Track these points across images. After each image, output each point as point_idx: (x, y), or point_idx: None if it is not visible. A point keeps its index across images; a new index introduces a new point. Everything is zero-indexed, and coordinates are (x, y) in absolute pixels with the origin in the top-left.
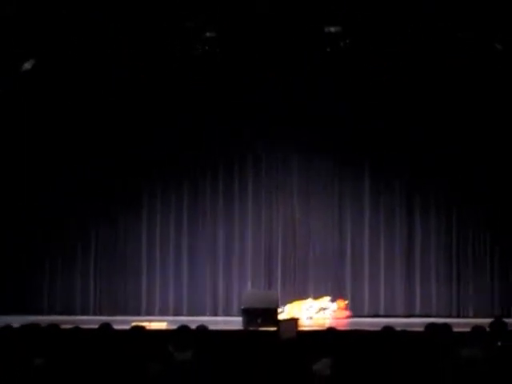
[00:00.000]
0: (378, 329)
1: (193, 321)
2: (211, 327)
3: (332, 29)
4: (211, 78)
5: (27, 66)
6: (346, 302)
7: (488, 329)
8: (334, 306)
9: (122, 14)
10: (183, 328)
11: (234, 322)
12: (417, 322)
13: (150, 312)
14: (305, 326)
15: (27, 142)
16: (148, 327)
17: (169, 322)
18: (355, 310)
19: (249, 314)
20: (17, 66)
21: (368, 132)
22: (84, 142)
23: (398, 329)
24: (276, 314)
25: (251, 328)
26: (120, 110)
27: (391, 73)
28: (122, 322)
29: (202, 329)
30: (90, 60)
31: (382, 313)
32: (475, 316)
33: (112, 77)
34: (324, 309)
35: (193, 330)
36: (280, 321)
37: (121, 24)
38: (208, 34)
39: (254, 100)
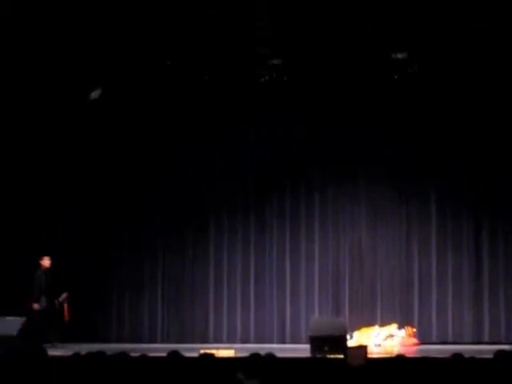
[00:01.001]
0: (447, 356)
1: (260, 348)
2: (279, 355)
3: (399, 55)
4: (277, 104)
5: (95, 95)
6: (414, 329)
7: None
8: (402, 332)
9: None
10: (253, 356)
11: (302, 350)
12: (486, 349)
13: (217, 339)
14: (373, 354)
15: (95, 170)
16: (216, 355)
17: (236, 349)
18: (423, 337)
19: (316, 341)
20: (84, 96)
21: (434, 158)
22: (151, 172)
23: (467, 356)
24: (344, 341)
25: (319, 355)
26: (187, 139)
27: (460, 98)
28: (190, 350)
29: (269, 357)
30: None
31: (450, 340)
32: None
33: (180, 103)
34: (392, 336)
35: (262, 358)
36: (348, 348)
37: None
38: (275, 62)
39: (319, 128)
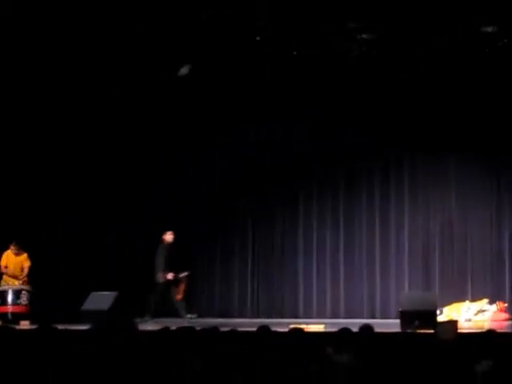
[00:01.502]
0: None
1: (350, 323)
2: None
3: (489, 29)
4: (367, 80)
5: (184, 71)
6: (505, 303)
7: None
8: (493, 307)
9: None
10: (344, 330)
11: (392, 325)
12: None
13: (307, 314)
14: (463, 329)
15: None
16: (306, 329)
17: (326, 324)
18: None
19: (407, 316)
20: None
21: None
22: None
23: None
24: (435, 316)
25: (409, 330)
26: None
27: None
28: (280, 325)
29: (365, 328)
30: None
31: None
32: None
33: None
34: (483, 311)
35: (353, 333)
36: (439, 323)
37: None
38: (365, 36)
39: (410, 102)
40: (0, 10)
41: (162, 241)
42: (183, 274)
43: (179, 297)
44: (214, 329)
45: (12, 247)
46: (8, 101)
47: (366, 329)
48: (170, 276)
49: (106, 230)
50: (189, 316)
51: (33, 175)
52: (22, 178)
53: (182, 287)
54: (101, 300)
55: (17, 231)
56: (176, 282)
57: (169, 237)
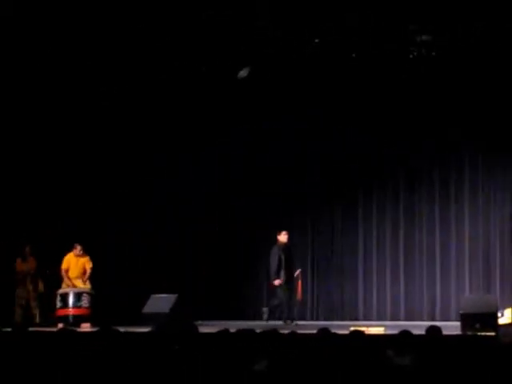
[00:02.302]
0: None
1: (410, 326)
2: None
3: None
4: (426, 80)
5: (243, 73)
6: None
7: None
8: None
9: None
10: (404, 333)
11: (452, 327)
12: None
13: (367, 317)
14: None
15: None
16: (366, 332)
17: (386, 326)
18: None
19: (467, 318)
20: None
21: None
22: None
23: None
24: (495, 318)
25: (470, 333)
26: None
27: None
28: (340, 327)
29: (432, 330)
30: None
31: None
32: None
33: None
34: None
35: (414, 335)
36: (500, 325)
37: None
38: (424, 38)
39: (466, 106)
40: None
41: (276, 241)
42: (297, 272)
43: (298, 297)
44: (274, 331)
45: (75, 250)
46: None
47: (433, 330)
48: (277, 282)
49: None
50: (288, 322)
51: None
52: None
53: (299, 286)
54: (161, 302)
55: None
56: (292, 282)
57: (284, 237)
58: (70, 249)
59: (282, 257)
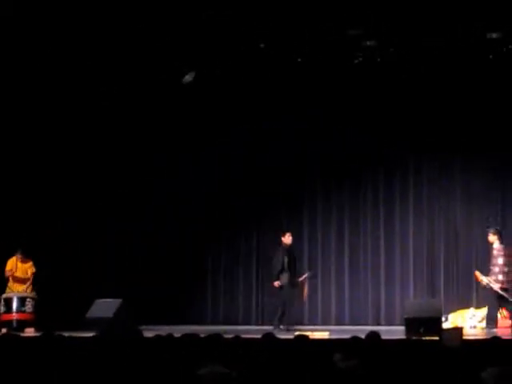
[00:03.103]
0: None
1: (355, 330)
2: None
3: (494, 35)
4: (370, 85)
5: (188, 78)
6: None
7: None
8: (498, 314)
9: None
10: (353, 338)
11: (397, 332)
12: None
13: (312, 321)
14: (469, 335)
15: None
16: (311, 336)
17: (331, 331)
18: None
19: (412, 323)
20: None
21: None
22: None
23: None
24: (439, 322)
25: (414, 337)
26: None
27: None
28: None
29: (372, 336)
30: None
31: None
32: None
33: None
34: None
35: (362, 340)
36: (444, 330)
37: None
38: (368, 43)
39: (412, 107)
40: (0, 10)
41: (280, 243)
42: (303, 277)
43: (304, 298)
44: (218, 336)
45: (18, 255)
46: (8, 101)
47: (373, 336)
48: (276, 284)
49: (105, 230)
50: (281, 327)
51: (33, 175)
52: (23, 178)
53: (305, 290)
54: (105, 307)
55: (17, 231)
56: (297, 285)
57: (288, 238)
58: (12, 254)
59: (286, 259)
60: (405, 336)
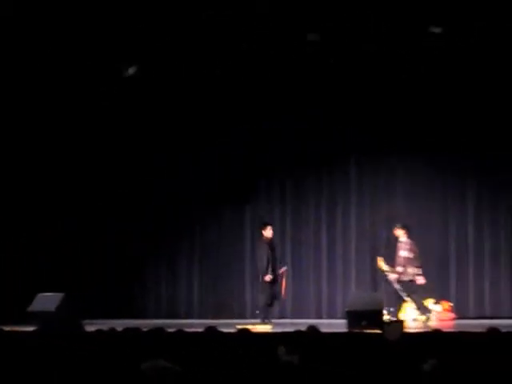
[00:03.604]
0: (483, 330)
1: (297, 323)
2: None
3: (436, 30)
4: (315, 80)
5: (130, 71)
6: (451, 303)
7: None
8: (439, 307)
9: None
10: (296, 332)
11: (338, 325)
12: None
13: (255, 315)
14: (410, 328)
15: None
16: (253, 330)
17: (274, 324)
18: (460, 312)
19: (353, 316)
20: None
21: (473, 130)
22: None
23: (504, 330)
24: (381, 316)
25: (356, 330)
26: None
27: (503, 77)
28: (227, 326)
29: (311, 329)
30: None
31: (487, 314)
32: None
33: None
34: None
35: (304, 333)
36: (385, 323)
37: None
38: (310, 38)
39: (354, 102)
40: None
41: (261, 237)
42: (282, 270)
43: (283, 295)
44: (160, 330)
45: None
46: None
47: (312, 330)
48: (267, 278)
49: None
50: (266, 321)
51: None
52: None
53: (283, 284)
54: (47, 301)
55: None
56: (277, 279)
57: (269, 232)
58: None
59: (269, 252)
60: (347, 329)
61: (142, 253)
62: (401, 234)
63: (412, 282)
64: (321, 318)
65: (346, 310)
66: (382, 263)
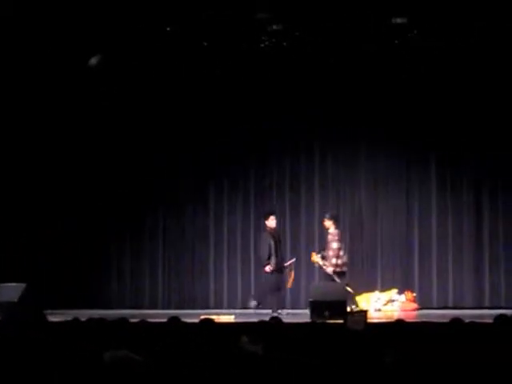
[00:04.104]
0: (447, 321)
1: (260, 314)
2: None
3: (399, 20)
4: (277, 70)
5: (93, 61)
6: (414, 293)
7: None
8: (402, 297)
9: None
10: (259, 322)
11: (302, 315)
12: (486, 314)
13: (218, 305)
14: (373, 318)
15: (88, 139)
16: (216, 320)
17: (236, 315)
18: (423, 302)
19: (316, 306)
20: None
21: (435, 118)
22: (153, 139)
23: (467, 320)
24: (344, 306)
25: (319, 320)
26: (186, 110)
27: (461, 64)
28: (191, 316)
29: (274, 321)
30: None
31: (450, 304)
32: None
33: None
34: (392, 301)
35: (266, 323)
36: (348, 313)
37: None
38: (275, 27)
39: (319, 92)
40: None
41: (264, 227)
42: (290, 261)
43: (289, 285)
44: (124, 320)
45: None
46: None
47: (275, 320)
48: (268, 268)
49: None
50: (279, 311)
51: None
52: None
53: (291, 276)
54: (10, 291)
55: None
56: (283, 270)
57: (272, 222)
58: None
59: (272, 243)
60: (310, 319)
61: (107, 243)
62: (330, 224)
63: (345, 272)
64: (284, 307)
65: (310, 300)
66: (316, 257)
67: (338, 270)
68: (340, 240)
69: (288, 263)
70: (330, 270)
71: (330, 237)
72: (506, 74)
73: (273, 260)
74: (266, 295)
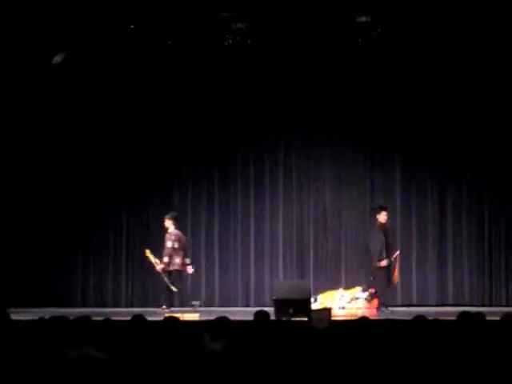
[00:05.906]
0: (410, 318)
1: (224, 311)
2: (243, 318)
3: (363, 18)
4: (242, 68)
5: (58, 59)
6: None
7: None
8: (366, 295)
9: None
10: (220, 319)
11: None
12: (449, 311)
13: (182, 303)
14: (337, 316)
15: (54, 137)
16: (181, 318)
17: (201, 313)
18: (388, 300)
19: (281, 304)
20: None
21: (400, 121)
22: (117, 137)
23: (431, 318)
24: (308, 304)
25: (283, 318)
26: (156, 109)
27: (425, 64)
28: (154, 314)
29: (261, 315)
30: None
31: (414, 302)
32: (508, 304)
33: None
34: (356, 298)
35: (229, 321)
36: (312, 311)
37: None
38: (239, 25)
39: (284, 91)
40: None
41: (375, 222)
42: (396, 254)
43: (395, 280)
44: (87, 318)
45: None
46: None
47: (261, 315)
48: (384, 263)
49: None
50: (386, 308)
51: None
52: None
53: (396, 269)
54: None
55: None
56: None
57: (383, 217)
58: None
59: (383, 238)
60: (274, 317)
61: (70, 241)
62: (169, 224)
63: (179, 271)
64: (248, 305)
65: (274, 298)
66: (149, 254)
67: (169, 268)
68: (177, 240)
69: (394, 256)
70: (159, 267)
71: (167, 235)
72: (468, 71)
73: (384, 255)
74: (385, 290)
